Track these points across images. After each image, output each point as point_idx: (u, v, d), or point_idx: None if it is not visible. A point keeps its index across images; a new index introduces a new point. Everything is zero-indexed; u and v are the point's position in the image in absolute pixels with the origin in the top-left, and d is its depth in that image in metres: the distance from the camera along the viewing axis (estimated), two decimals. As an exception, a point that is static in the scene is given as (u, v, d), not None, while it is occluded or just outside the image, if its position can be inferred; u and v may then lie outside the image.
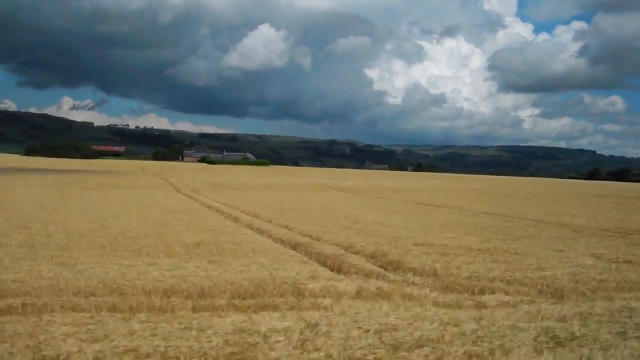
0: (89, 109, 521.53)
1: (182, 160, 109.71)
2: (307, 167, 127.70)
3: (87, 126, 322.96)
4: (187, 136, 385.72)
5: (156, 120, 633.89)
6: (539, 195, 36.19)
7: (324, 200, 25.79)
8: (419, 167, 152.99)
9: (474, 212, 21.11)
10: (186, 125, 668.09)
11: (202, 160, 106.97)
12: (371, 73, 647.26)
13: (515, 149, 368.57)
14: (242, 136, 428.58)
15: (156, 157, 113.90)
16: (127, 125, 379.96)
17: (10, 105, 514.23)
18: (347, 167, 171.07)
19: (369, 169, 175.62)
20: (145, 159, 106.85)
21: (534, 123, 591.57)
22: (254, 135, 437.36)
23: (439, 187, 40.96)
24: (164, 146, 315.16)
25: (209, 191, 29.00)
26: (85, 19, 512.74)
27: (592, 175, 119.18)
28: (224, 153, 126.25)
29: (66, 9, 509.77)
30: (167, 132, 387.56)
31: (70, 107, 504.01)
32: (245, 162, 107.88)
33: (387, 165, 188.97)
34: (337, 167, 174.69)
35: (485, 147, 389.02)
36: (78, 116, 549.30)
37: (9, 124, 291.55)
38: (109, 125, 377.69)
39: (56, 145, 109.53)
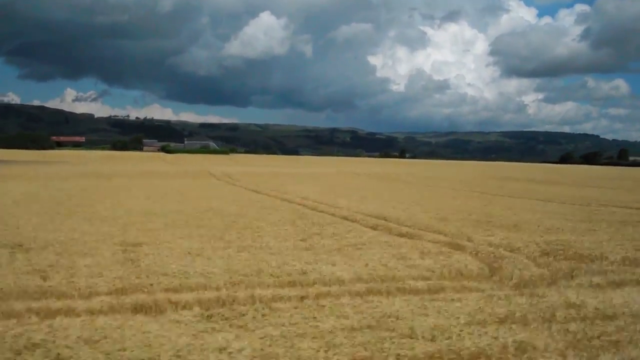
0: (92, 100, 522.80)
1: (142, 149, 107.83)
2: (279, 156, 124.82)
3: (85, 118, 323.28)
4: (188, 126, 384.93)
5: (160, 111, 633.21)
6: (446, 180, 33.72)
7: (150, 187, 23.75)
8: (402, 154, 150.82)
9: (299, 200, 18.80)
10: (190, 115, 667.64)
11: (162, 149, 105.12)
12: (374, 60, 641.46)
13: (518, 134, 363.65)
14: (244, 125, 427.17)
15: (115, 147, 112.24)
16: (128, 116, 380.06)
17: (13, 98, 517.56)
18: (341, 155, 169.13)
19: (358, 156, 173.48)
20: (103, 149, 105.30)
21: (538, 108, 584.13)
22: (255, 125, 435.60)
23: (352, 173, 38.56)
24: (164, 137, 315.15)
25: (58, 181, 27.16)
26: (84, 8, 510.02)
27: (564, 160, 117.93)
28: (186, 142, 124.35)
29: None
30: (168, 122, 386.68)
31: (73, 98, 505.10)
32: (205, 150, 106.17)
33: (377, 153, 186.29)
34: (336, 155, 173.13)
35: (488, 133, 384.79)
36: (82, 108, 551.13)
37: (7, 117, 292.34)
38: (110, 117, 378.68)
39: (11, 136, 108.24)
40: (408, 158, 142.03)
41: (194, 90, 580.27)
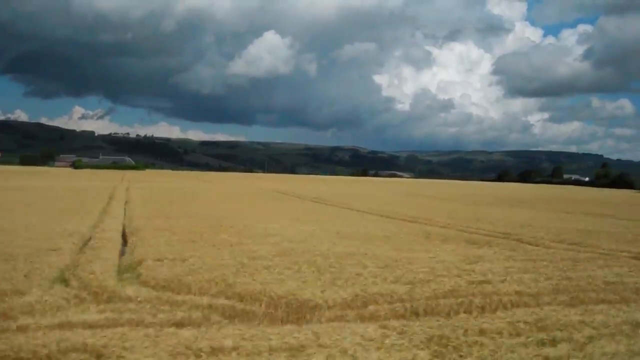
0: (98, 118, 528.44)
1: (53, 165, 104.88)
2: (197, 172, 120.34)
3: (80, 135, 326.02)
4: (186, 144, 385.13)
5: (168, 129, 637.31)
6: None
7: None
8: (364, 173, 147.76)
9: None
10: (197, 133, 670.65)
11: (72, 164, 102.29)
12: (379, 79, 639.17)
13: (520, 153, 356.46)
14: (248, 144, 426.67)
15: (24, 162, 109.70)
16: (128, 134, 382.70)
17: (20, 116, 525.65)
18: (333, 174, 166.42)
19: (337, 174, 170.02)
20: (12, 164, 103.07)
21: (543, 128, 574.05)
22: (258, 143, 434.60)
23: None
24: (161, 155, 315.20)
25: None
26: (87, 26, 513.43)
27: (500, 178, 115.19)
28: (100, 157, 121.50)
29: (68, 17, 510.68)
30: (168, 140, 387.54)
31: (79, 116, 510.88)
32: (115, 166, 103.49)
33: (353, 170, 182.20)
34: (334, 174, 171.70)
35: (492, 152, 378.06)
36: (90, 125, 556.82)
37: (5, 133, 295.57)
38: (110, 134, 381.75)
39: None
40: (374, 176, 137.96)
41: (201, 109, 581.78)
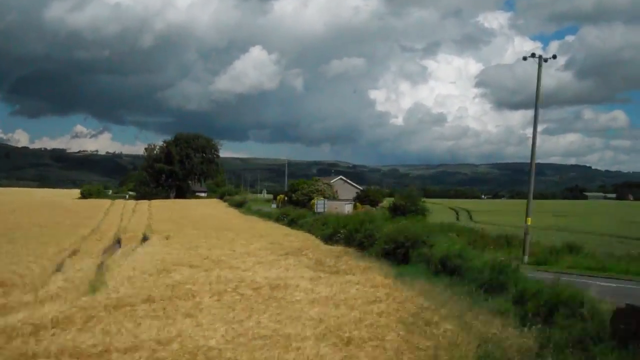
0: (91, 137, 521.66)
1: None
2: None
3: (25, 152, 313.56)
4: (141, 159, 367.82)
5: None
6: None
7: None
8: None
9: None
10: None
11: None
12: (373, 94, 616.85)
13: (506, 166, 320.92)
14: (222, 159, 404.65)
15: None
16: (97, 150, 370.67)
17: (20, 136, 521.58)
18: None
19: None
20: None
21: (540, 140, 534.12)
22: (239, 159, 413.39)
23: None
24: (105, 171, 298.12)
25: None
26: (61, 44, 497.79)
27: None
28: None
29: (42, 34, 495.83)
30: (137, 156, 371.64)
31: (73, 136, 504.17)
32: None
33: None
34: None
35: (478, 165, 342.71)
36: (91, 145, 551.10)
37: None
38: (80, 152, 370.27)
39: None
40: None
41: (193, 125, 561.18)
